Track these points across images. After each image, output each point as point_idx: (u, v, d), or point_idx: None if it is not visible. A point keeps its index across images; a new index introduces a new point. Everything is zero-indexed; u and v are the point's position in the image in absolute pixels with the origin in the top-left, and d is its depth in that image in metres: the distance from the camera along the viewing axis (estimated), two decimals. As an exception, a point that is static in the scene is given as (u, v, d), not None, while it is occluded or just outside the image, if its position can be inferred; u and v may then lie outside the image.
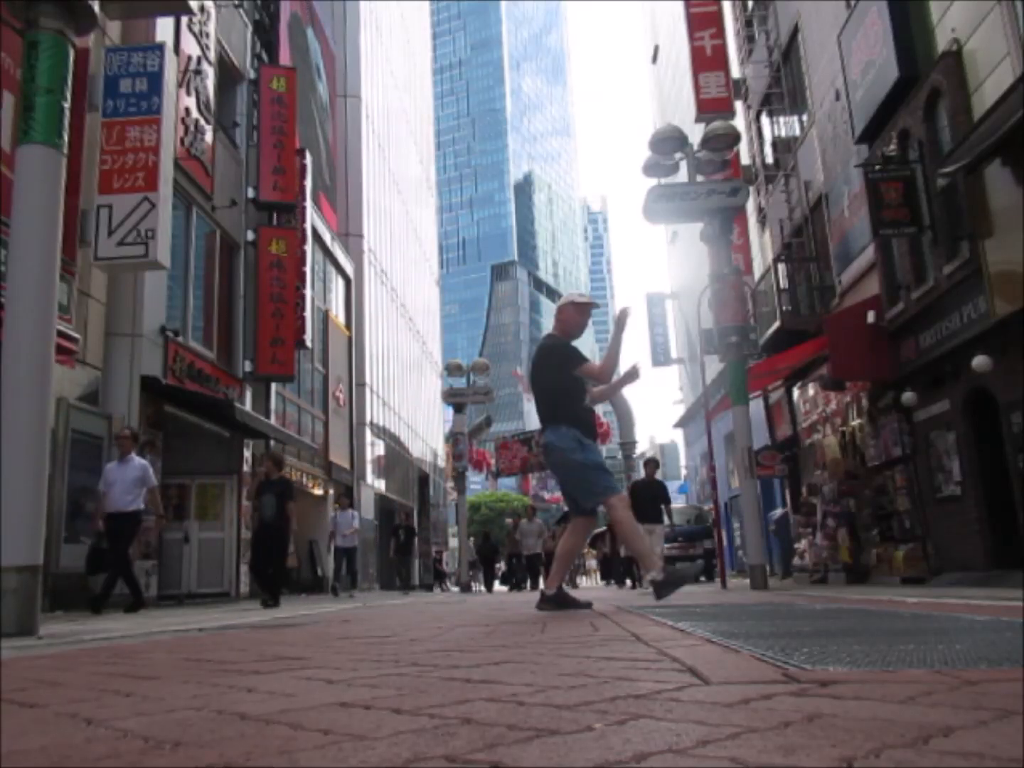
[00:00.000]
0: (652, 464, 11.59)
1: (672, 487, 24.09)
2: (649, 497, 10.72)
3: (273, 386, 16.11)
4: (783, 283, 14.68)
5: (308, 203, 17.33)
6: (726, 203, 9.37)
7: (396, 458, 29.92)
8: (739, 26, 17.38)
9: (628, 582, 14.69)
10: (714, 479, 13.63)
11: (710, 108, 14.79)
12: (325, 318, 20.95)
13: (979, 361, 8.51)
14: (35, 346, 4.07)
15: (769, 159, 16.54)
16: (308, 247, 17.04)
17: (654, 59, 33.33)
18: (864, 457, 12.09)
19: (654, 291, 32.01)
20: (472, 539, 22.71)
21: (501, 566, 23.58)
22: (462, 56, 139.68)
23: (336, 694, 1.49)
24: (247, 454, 14.22)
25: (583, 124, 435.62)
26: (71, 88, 4.35)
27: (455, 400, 20.48)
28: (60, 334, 6.18)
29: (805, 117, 14.29)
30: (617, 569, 15.59)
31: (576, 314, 4.87)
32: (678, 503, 21.84)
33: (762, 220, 17.05)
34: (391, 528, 18.80)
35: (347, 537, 14.14)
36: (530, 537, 16.23)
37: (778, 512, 17.06)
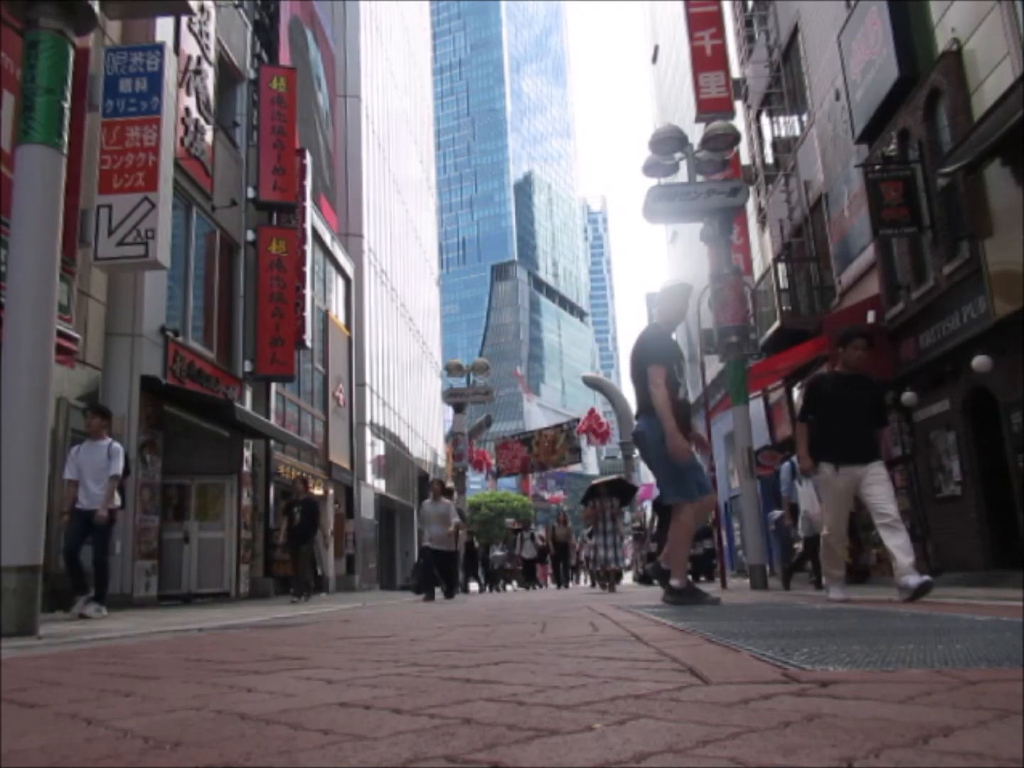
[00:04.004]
0: (860, 340, 5.14)
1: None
2: (852, 406, 4.97)
3: (273, 386, 16.11)
4: (783, 283, 14.67)
5: (308, 203, 17.33)
6: (726, 203, 9.36)
7: (396, 458, 29.90)
8: (739, 26, 17.39)
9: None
10: (714, 479, 13.60)
11: (710, 108, 14.79)
12: (325, 318, 20.94)
13: (979, 361, 8.50)
14: (35, 346, 4.07)
15: (769, 159, 16.54)
16: (308, 247, 17.04)
17: (654, 59, 33.33)
18: (864, 457, 12.06)
19: (654, 291, 31.99)
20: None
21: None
22: (462, 56, 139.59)
23: (336, 694, 1.49)
24: (247, 454, 14.22)
25: (583, 124, 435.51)
26: (71, 88, 4.35)
27: (455, 400, 20.51)
28: (60, 334, 6.18)
29: (805, 117, 14.29)
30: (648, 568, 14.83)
31: (671, 300, 5.18)
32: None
33: (762, 220, 17.05)
34: (285, 504, 12.23)
35: (95, 495, 6.56)
36: (434, 525, 10.87)
37: (778, 512, 17.05)
